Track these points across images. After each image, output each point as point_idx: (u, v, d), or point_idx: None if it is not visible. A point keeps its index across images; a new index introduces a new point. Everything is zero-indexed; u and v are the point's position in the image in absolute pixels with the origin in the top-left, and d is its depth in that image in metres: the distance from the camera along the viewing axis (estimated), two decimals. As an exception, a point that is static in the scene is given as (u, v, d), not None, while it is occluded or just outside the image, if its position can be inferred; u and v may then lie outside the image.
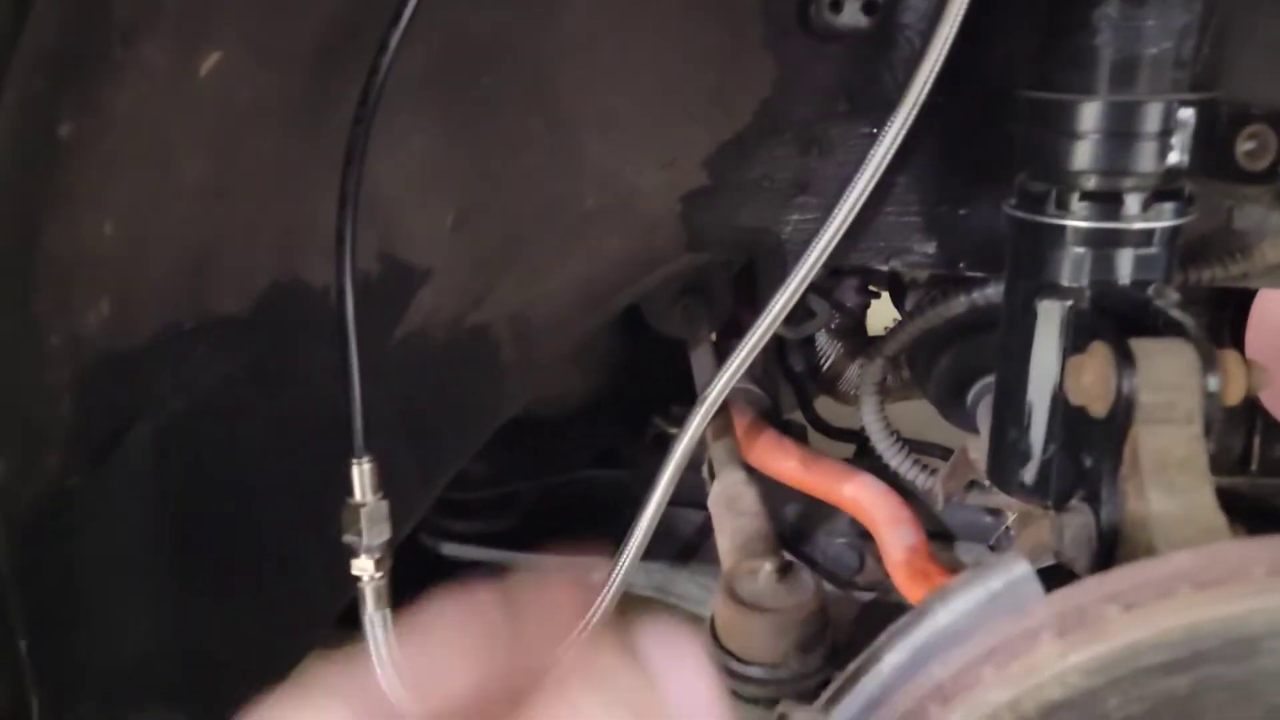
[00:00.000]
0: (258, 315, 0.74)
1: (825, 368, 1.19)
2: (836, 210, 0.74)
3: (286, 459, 0.76)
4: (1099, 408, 0.61)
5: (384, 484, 0.68)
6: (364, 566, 0.67)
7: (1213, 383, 0.60)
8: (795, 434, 1.18)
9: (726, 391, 0.83)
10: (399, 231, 0.79)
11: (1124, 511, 0.60)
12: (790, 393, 1.20)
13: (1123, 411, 0.60)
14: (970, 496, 0.83)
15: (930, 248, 0.82)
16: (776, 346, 1.19)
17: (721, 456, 0.89)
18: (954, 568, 1.06)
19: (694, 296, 1.12)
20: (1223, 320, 1.09)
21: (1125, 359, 0.60)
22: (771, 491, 1.13)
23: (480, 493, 1.16)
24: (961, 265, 0.82)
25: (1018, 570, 0.46)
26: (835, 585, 1.11)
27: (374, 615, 0.66)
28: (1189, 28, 0.62)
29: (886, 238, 0.83)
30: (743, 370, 0.82)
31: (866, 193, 0.73)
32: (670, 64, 0.79)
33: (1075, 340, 0.65)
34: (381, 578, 0.67)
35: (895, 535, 1.00)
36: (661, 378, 1.26)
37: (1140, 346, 0.61)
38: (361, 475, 0.66)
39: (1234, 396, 0.61)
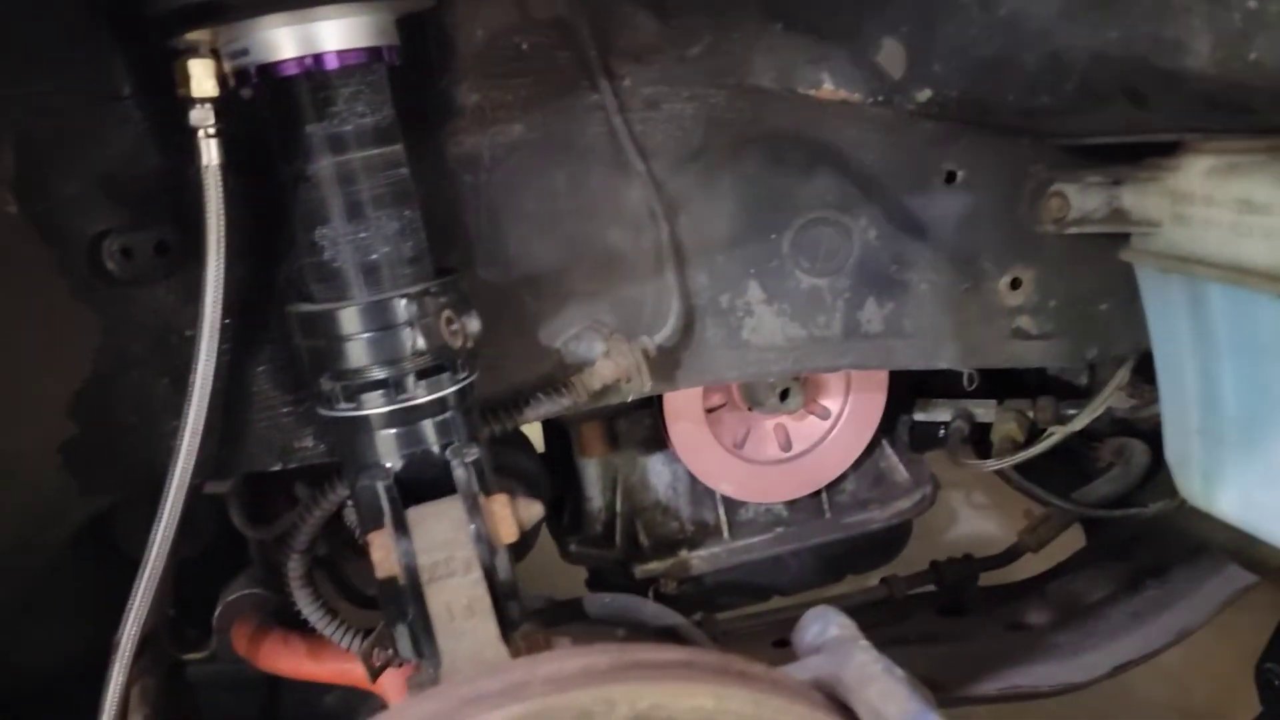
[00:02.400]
0: None
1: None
2: (183, 434, 0.77)
3: None
4: (397, 576, 0.68)
5: None
6: None
7: (481, 530, 0.68)
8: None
9: (138, 630, 0.82)
10: None
11: (438, 661, 0.67)
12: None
13: (413, 575, 0.67)
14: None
15: (309, 441, 0.88)
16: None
17: (134, 702, 0.88)
18: None
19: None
20: (656, 418, 1.24)
21: (402, 530, 0.67)
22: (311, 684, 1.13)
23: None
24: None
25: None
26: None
27: None
28: (404, 230, 0.73)
29: (267, 440, 0.87)
30: (146, 604, 0.81)
31: (202, 411, 0.77)
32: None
33: (374, 518, 0.72)
34: None
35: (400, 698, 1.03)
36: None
37: (414, 514, 0.69)
38: None
39: (507, 536, 0.70)
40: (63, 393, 0.83)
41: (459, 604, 0.67)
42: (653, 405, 1.25)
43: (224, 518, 1.13)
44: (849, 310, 1.01)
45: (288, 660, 1.11)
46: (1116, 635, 1.21)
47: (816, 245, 0.98)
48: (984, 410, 1.43)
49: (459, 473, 0.72)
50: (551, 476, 1.24)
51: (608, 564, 1.33)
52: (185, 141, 0.77)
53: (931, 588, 1.33)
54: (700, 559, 1.29)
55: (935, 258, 1.00)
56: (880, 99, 0.89)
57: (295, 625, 1.14)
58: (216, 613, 1.16)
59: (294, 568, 0.94)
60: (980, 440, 1.48)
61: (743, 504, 1.31)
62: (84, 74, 0.74)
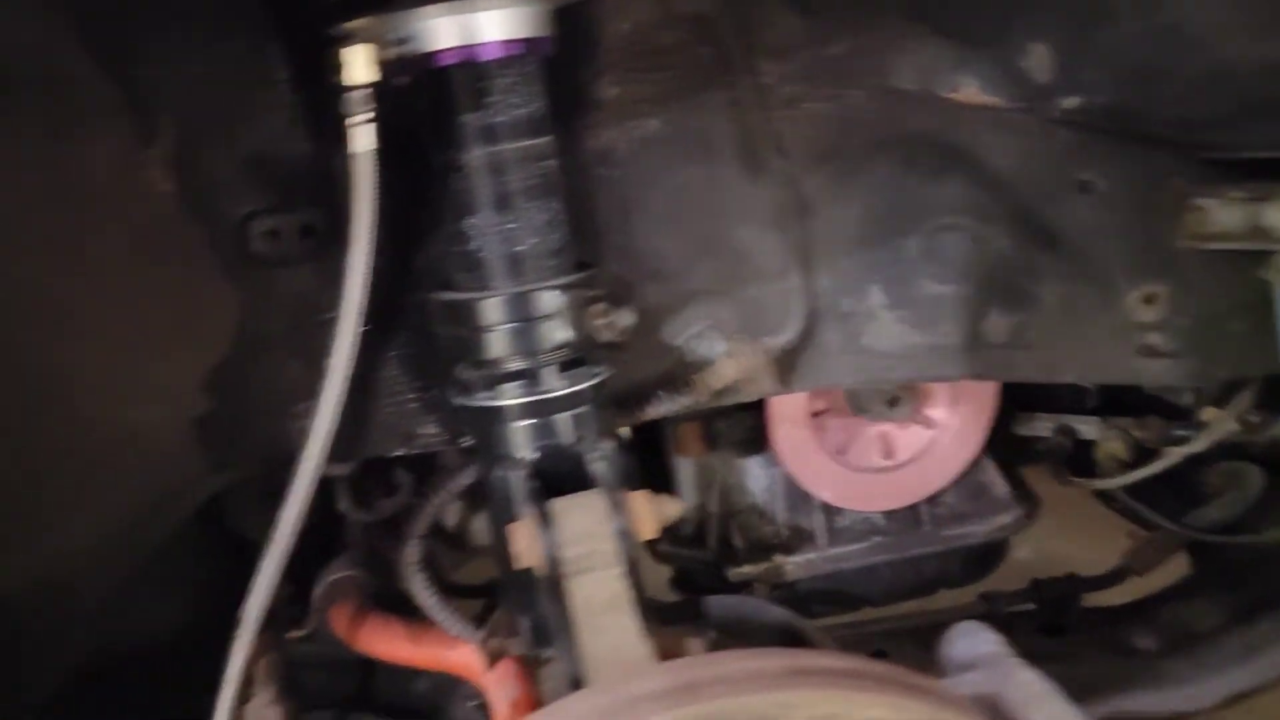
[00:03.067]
0: None
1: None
2: (317, 416, 0.78)
3: None
4: (537, 568, 0.68)
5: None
6: None
7: (623, 526, 0.68)
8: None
9: (264, 608, 0.83)
10: None
11: (576, 656, 0.67)
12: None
13: (554, 568, 0.67)
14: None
15: (432, 428, 0.88)
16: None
17: (261, 676, 0.89)
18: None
19: (272, 500, 1.12)
20: (758, 421, 1.23)
21: (546, 520, 0.67)
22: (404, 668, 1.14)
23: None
24: (462, 439, 0.89)
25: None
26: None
27: None
28: (552, 222, 0.73)
29: (391, 426, 0.88)
30: (273, 582, 0.83)
31: (340, 394, 0.78)
32: (130, 305, 0.80)
33: (515, 508, 0.72)
34: None
35: (500, 692, 1.03)
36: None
37: (558, 506, 0.68)
38: None
39: (647, 532, 0.70)
40: (200, 369, 0.85)
41: (600, 599, 0.66)
42: (754, 407, 1.24)
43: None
44: (972, 319, 0.99)
45: (387, 644, 1.12)
46: (1229, 666, 1.16)
47: (944, 251, 0.96)
48: (1087, 427, 1.40)
49: (599, 467, 0.72)
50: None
51: (698, 565, 1.33)
52: (334, 127, 0.78)
53: (1031, 606, 1.29)
54: (795, 565, 1.27)
55: (1066, 269, 0.97)
56: (1023, 105, 0.87)
57: (393, 609, 1.16)
58: (316, 593, 1.18)
59: (410, 553, 0.94)
60: (1078, 458, 1.44)
61: (840, 511, 1.29)
62: (242, 57, 0.75)
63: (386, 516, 1.14)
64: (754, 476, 1.29)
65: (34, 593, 0.86)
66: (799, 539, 1.30)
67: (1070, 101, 0.84)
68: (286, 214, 0.80)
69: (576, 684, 0.67)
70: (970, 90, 0.86)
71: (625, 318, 0.66)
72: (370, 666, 1.28)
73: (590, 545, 0.67)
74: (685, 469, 1.29)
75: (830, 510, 1.29)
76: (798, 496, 1.29)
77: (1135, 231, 0.97)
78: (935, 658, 0.70)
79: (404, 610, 1.14)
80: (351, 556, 1.22)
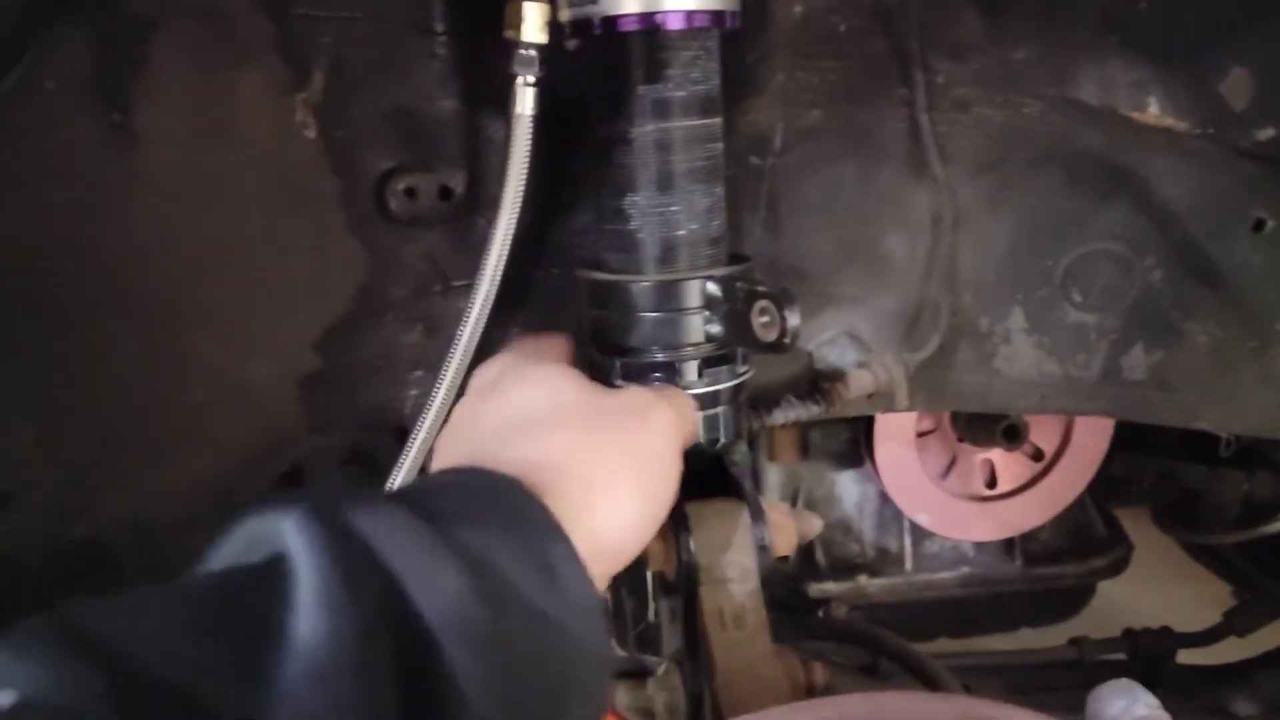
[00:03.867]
0: None
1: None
2: (437, 385, 0.75)
3: None
4: (670, 572, 0.64)
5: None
6: None
7: (763, 538, 0.64)
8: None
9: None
10: (-35, 460, 0.72)
11: (702, 671, 0.63)
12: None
13: (688, 574, 0.63)
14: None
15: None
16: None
17: None
18: (643, 711, 1.06)
19: (355, 466, 1.10)
20: (857, 434, 1.19)
21: (682, 524, 0.63)
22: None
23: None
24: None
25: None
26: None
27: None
28: (713, 208, 0.69)
29: (504, 403, 0.84)
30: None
31: (463, 367, 0.74)
32: (259, 255, 0.77)
33: (647, 507, 0.68)
34: None
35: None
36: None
37: (696, 511, 0.64)
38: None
39: (784, 548, 0.65)
40: (314, 326, 0.82)
41: (730, 611, 0.62)
42: (852, 419, 1.19)
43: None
44: (1113, 352, 0.94)
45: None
46: (1333, 742, 1.11)
47: (1093, 278, 0.90)
48: (1191, 475, 1.34)
49: (736, 472, 0.68)
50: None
51: (776, 577, 1.28)
52: (485, 88, 0.75)
53: (1122, 656, 1.24)
54: (879, 587, 1.23)
55: (1222, 310, 0.91)
56: (1210, 130, 0.81)
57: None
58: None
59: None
60: (1178, 506, 1.38)
61: (929, 536, 1.25)
62: (402, 4, 0.72)
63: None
64: (845, 491, 1.24)
65: (131, 535, 0.84)
66: (884, 561, 1.25)
67: (1265, 133, 0.78)
68: (426, 173, 0.76)
69: (698, 697, 0.64)
70: (1154, 111, 0.81)
71: (792, 318, 0.61)
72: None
73: (727, 555, 0.63)
74: (773, 474, 1.25)
75: (919, 534, 1.25)
76: (888, 516, 1.24)
77: (1305, 277, 0.91)
78: (1084, 713, 0.65)
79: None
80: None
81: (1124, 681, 0.63)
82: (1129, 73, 0.80)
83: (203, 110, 0.70)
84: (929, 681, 0.79)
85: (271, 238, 0.77)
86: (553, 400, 0.57)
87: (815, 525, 0.67)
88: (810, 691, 0.67)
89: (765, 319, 0.63)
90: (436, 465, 0.59)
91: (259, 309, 0.80)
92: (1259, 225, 0.88)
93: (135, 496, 0.83)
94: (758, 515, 0.64)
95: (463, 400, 0.64)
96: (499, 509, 0.47)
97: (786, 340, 0.61)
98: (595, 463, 0.52)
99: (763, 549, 0.64)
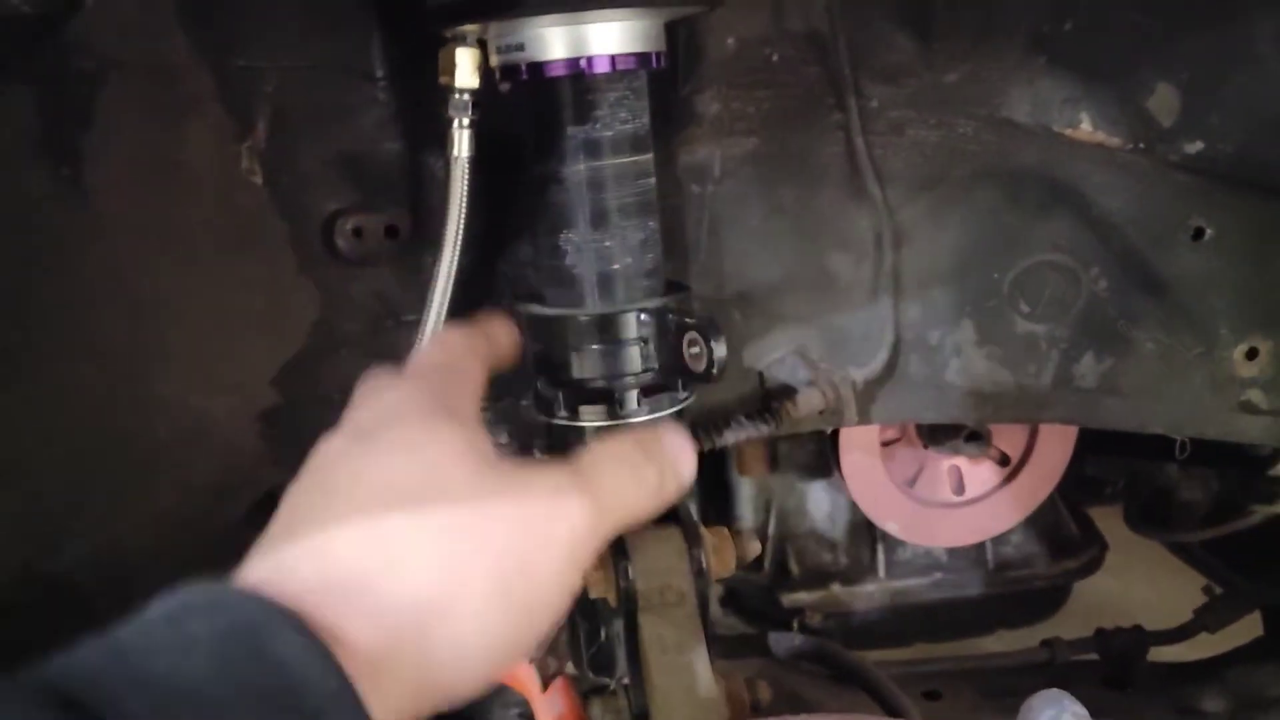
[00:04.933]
0: None
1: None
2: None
3: None
4: (611, 598, 0.66)
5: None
6: None
7: (702, 562, 0.66)
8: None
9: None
10: (-73, 502, 0.74)
11: (646, 692, 0.64)
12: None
13: (628, 600, 0.65)
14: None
15: (503, 438, 0.87)
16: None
17: None
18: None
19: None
20: (823, 446, 1.20)
21: (621, 552, 0.65)
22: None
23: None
24: (535, 451, 0.87)
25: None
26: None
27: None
28: (647, 241, 0.71)
29: (459, 433, 0.86)
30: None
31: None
32: (215, 296, 0.80)
33: (589, 535, 0.70)
34: None
35: (545, 706, 1.02)
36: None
37: (635, 538, 0.66)
38: None
39: (723, 570, 0.67)
40: (272, 363, 0.84)
41: (671, 637, 0.64)
42: (819, 431, 1.21)
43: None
44: (1064, 361, 0.95)
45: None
46: (1301, 737, 1.12)
47: (1040, 289, 0.92)
48: (1162, 475, 1.35)
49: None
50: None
51: (750, 588, 1.30)
52: (426, 129, 0.77)
53: (1094, 656, 1.25)
54: (852, 595, 1.25)
55: (1168, 317, 0.93)
56: (1140, 145, 0.83)
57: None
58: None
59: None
60: (1151, 502, 1.39)
61: (901, 543, 1.26)
62: (342, 52, 0.74)
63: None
64: (816, 501, 1.26)
65: (97, 575, 0.86)
66: (858, 569, 1.27)
67: (1193, 147, 0.80)
68: (372, 213, 0.78)
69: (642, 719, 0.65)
70: (1086, 128, 0.82)
71: (719, 349, 0.63)
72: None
73: (665, 580, 0.65)
74: (744, 488, 1.27)
75: (891, 542, 1.26)
76: (859, 525, 1.26)
77: (1247, 283, 0.92)
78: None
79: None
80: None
81: (1054, 692, 0.65)
82: (1059, 91, 0.82)
83: (151, 161, 0.72)
84: (885, 704, 0.80)
85: (226, 279, 0.79)
86: (428, 478, 0.45)
87: (753, 548, 0.68)
88: (756, 710, 0.69)
89: (694, 350, 0.65)
90: (277, 521, 0.47)
91: (217, 347, 0.83)
92: (1198, 234, 0.90)
93: (103, 531, 0.85)
94: (695, 539, 0.66)
95: (333, 436, 0.51)
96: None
97: (715, 371, 0.63)
98: (453, 576, 0.42)
99: (700, 573, 0.65)
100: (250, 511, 0.97)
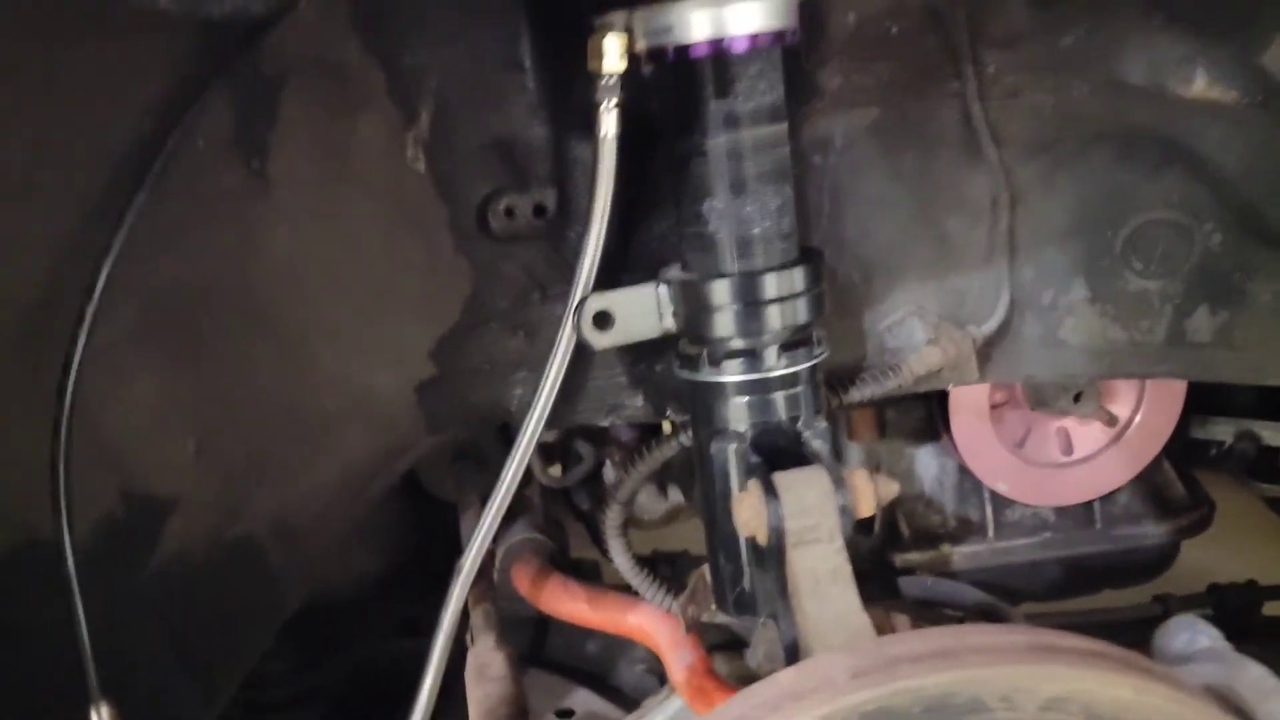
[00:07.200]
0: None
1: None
2: (542, 384, 0.83)
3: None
4: (761, 537, 0.71)
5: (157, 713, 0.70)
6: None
7: (845, 501, 0.71)
8: (588, 571, 1.26)
9: (480, 559, 0.89)
10: (139, 468, 0.83)
11: (796, 624, 0.70)
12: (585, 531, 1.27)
13: (778, 538, 0.70)
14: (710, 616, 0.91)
15: (639, 401, 0.93)
16: (563, 493, 1.26)
17: (479, 623, 0.95)
18: (741, 678, 1.12)
19: (465, 461, 1.19)
20: (932, 410, 1.24)
21: (771, 492, 0.70)
22: (573, 629, 1.20)
23: (282, 689, 1.17)
24: (668, 412, 0.93)
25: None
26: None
27: None
28: (784, 207, 0.76)
29: (600, 398, 0.92)
30: (491, 535, 0.88)
31: (563, 366, 0.82)
32: (378, 276, 0.87)
33: (738, 479, 0.75)
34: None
35: (676, 657, 1.07)
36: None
37: (783, 479, 0.71)
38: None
39: (865, 510, 0.72)
40: (429, 337, 0.91)
41: (824, 570, 0.69)
42: (926, 396, 1.24)
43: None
44: (1177, 316, 0.97)
45: (568, 605, 1.17)
46: None
47: (1153, 246, 0.95)
48: (1271, 433, 1.35)
49: (817, 444, 0.75)
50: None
51: (860, 550, 1.34)
52: (570, 112, 0.83)
53: (1208, 611, 1.26)
54: (961, 555, 1.28)
55: (1283, 268, 0.95)
56: (1258, 99, 0.85)
57: (567, 570, 1.21)
58: (499, 554, 1.24)
59: (612, 518, 0.99)
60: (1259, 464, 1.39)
61: (1010, 504, 1.29)
62: (493, 44, 0.80)
63: (572, 484, 1.20)
64: (924, 464, 1.29)
65: (275, 535, 0.94)
66: (966, 530, 1.30)
67: (1310, 98, 0.82)
68: (522, 193, 0.84)
69: (794, 651, 0.70)
70: (1201, 85, 0.85)
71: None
72: (544, 625, 1.35)
73: (814, 519, 0.70)
74: (854, 453, 1.30)
75: (1000, 502, 1.29)
76: (968, 487, 1.29)
77: (1362, 233, 0.93)
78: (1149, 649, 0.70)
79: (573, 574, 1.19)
80: (529, 520, 1.29)
81: (1188, 617, 0.68)
82: (1175, 49, 0.84)
83: (326, 152, 0.80)
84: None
85: (388, 260, 0.87)
86: None
87: (892, 488, 0.73)
88: (898, 641, 0.73)
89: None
90: None
91: (379, 324, 0.90)
92: (1313, 186, 0.91)
93: (279, 498, 0.94)
94: (839, 481, 0.71)
95: None
96: None
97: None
98: None
99: (844, 511, 0.70)
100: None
